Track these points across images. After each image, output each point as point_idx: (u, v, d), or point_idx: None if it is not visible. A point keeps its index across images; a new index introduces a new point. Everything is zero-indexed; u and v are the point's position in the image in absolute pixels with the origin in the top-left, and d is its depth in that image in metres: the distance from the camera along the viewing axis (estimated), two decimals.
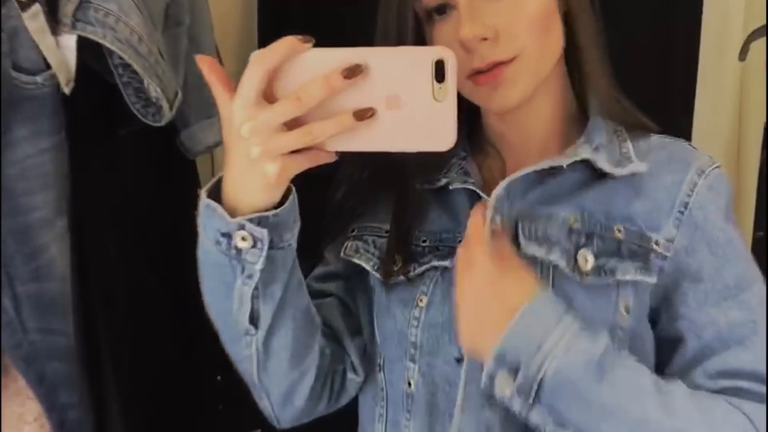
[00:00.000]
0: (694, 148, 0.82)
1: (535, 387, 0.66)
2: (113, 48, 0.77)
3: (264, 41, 1.09)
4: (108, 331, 0.89)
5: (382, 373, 0.82)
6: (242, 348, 0.73)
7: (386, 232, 0.83)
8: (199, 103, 1.01)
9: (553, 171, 0.77)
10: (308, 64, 0.60)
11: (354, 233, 0.85)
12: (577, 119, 0.82)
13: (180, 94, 0.90)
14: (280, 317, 0.72)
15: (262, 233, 0.65)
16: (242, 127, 0.60)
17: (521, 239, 0.75)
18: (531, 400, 0.66)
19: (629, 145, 0.80)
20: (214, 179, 0.68)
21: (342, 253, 0.84)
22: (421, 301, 0.78)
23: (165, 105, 0.84)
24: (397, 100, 0.60)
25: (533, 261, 0.74)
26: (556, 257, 0.74)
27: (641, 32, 1.21)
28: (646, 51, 1.22)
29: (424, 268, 0.79)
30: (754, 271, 0.78)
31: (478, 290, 0.69)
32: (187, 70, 0.98)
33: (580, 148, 0.77)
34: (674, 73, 1.25)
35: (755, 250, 1.32)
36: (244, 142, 0.61)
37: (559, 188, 0.78)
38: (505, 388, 0.67)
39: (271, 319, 0.71)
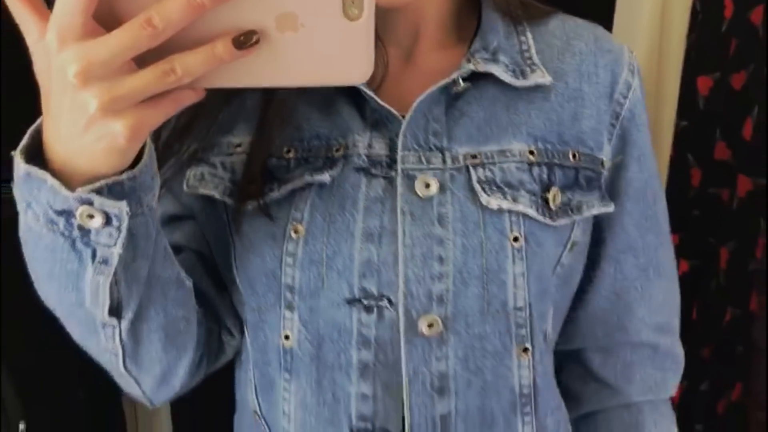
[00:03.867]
0: (603, 30, 0.71)
1: None
2: None
3: None
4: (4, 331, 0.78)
5: (246, 328, 0.71)
6: (101, 341, 0.59)
7: (237, 146, 0.65)
8: None
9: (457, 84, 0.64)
10: None
11: (197, 157, 0.66)
12: (475, 7, 0.70)
13: None
14: (147, 299, 0.58)
15: (119, 207, 0.48)
16: (68, 69, 0.41)
17: (478, 190, 0.62)
18: None
19: (530, 38, 0.68)
20: (29, 132, 0.48)
21: (185, 187, 0.66)
22: (296, 231, 0.63)
23: None
24: (292, 20, 0.44)
25: (499, 214, 0.62)
26: (525, 205, 0.63)
27: None
28: None
29: (292, 185, 0.63)
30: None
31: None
32: None
33: (475, 56, 0.65)
34: None
35: (678, 141, 1.29)
36: (73, 91, 0.43)
37: (489, 110, 0.65)
38: None
39: (138, 304, 0.57)
